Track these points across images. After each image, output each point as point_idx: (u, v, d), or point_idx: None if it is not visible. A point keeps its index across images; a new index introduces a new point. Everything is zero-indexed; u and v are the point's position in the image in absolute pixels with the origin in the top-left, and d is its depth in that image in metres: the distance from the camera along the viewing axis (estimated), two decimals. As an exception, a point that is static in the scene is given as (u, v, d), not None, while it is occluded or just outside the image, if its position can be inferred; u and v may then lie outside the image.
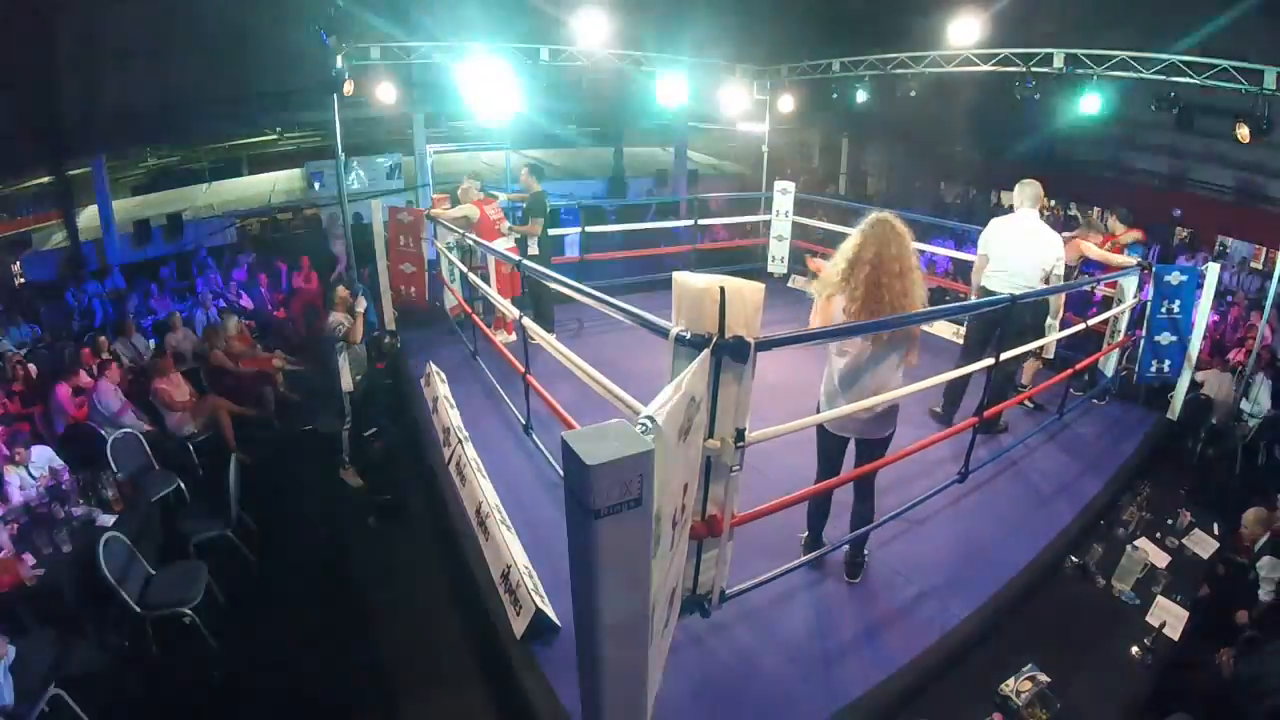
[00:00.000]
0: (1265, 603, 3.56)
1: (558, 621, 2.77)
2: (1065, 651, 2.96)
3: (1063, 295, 4.84)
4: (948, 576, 3.21)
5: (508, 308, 4.56)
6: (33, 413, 5.48)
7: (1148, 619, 3.20)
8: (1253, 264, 10.31)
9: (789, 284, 7.87)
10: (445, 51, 7.67)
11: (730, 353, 2.14)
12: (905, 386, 2.92)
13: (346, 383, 4.94)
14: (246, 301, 8.73)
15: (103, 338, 6.53)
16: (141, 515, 4.24)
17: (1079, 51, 6.92)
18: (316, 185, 12.68)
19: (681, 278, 2.23)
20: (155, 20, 9.36)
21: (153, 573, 3.78)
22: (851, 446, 3.02)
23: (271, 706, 3.33)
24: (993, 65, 7.58)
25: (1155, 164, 10.88)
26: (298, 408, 6.55)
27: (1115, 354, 5.16)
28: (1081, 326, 4.55)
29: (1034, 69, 7.20)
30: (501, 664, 2.80)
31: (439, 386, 4.73)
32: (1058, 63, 7.05)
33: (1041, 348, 4.76)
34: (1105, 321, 4.95)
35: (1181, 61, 6.26)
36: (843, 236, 3.05)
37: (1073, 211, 12.94)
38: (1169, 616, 3.19)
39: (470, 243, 5.40)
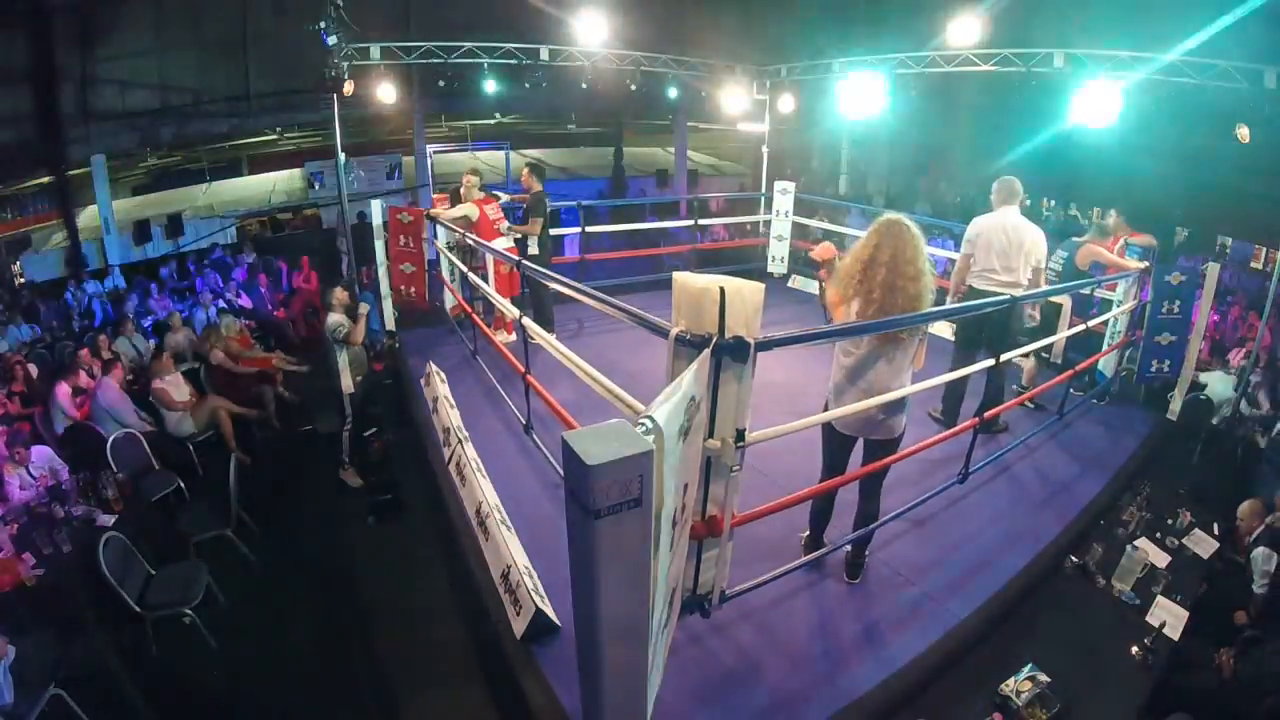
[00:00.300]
0: (1259, 595, 3.56)
1: (558, 621, 2.76)
2: (1065, 651, 2.96)
3: (1068, 298, 4.85)
4: (948, 576, 3.21)
5: (508, 307, 4.56)
6: (33, 413, 5.48)
7: (1148, 619, 3.19)
8: (1253, 264, 10.32)
9: (789, 284, 7.87)
10: (445, 51, 7.67)
11: (730, 353, 2.14)
12: (915, 385, 2.92)
13: (347, 384, 4.93)
14: (246, 301, 8.73)
15: (103, 337, 6.53)
16: (141, 515, 4.24)
17: (1079, 51, 6.92)
18: (316, 185, 12.67)
19: (681, 278, 2.23)
20: (156, 19, 9.36)
21: (153, 573, 3.78)
22: (858, 446, 3.02)
23: (271, 706, 3.33)
24: (993, 65, 7.58)
25: (1156, 164, 10.87)
26: (298, 408, 6.56)
27: (1115, 354, 5.16)
28: (1082, 327, 4.55)
29: (1034, 69, 7.20)
30: (501, 664, 2.80)
31: (439, 386, 4.72)
32: (1058, 63, 7.06)
33: (1044, 349, 4.77)
34: (1105, 322, 4.95)
35: (1181, 61, 6.26)
36: (841, 236, 3.05)
37: (1072, 211, 12.95)
38: (1169, 616, 3.19)
39: (470, 243, 5.40)
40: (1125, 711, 2.76)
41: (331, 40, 6.37)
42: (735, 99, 9.32)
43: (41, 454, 4.62)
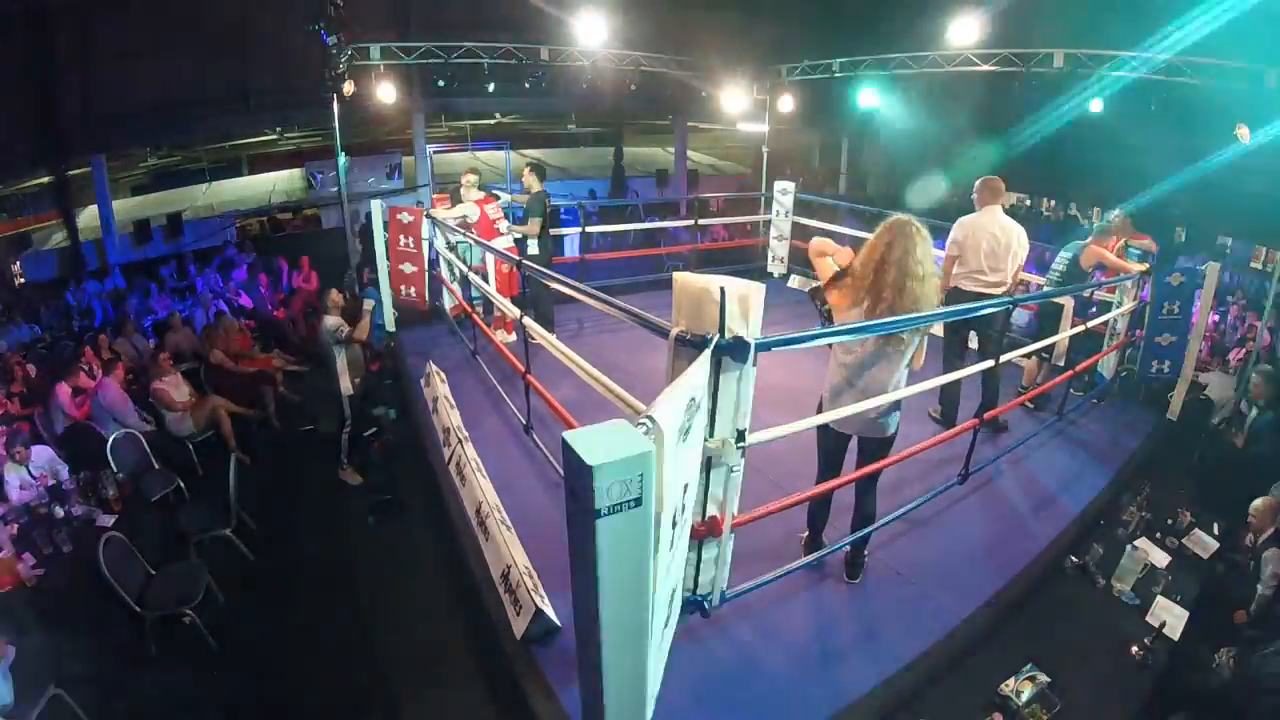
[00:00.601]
0: (1265, 596, 3.55)
1: (558, 621, 2.76)
2: (1065, 651, 2.96)
3: (1070, 299, 4.85)
4: (948, 576, 3.20)
5: (508, 307, 4.55)
6: (33, 413, 5.48)
7: (1148, 619, 3.20)
8: (1253, 264, 10.32)
9: (789, 284, 7.87)
10: (445, 51, 7.67)
11: (730, 353, 2.14)
12: (911, 386, 2.92)
13: (346, 386, 4.91)
14: (246, 301, 8.73)
15: (104, 336, 6.53)
16: (141, 515, 4.24)
17: (1079, 51, 6.92)
18: (316, 185, 12.67)
19: (681, 278, 2.22)
20: (156, 19, 9.36)
21: (153, 573, 3.78)
22: (853, 444, 3.02)
23: (271, 706, 3.33)
24: (993, 65, 7.59)
25: (1155, 164, 10.87)
26: (298, 408, 6.56)
27: (1115, 354, 5.16)
28: (1082, 327, 4.55)
29: (1034, 69, 7.21)
30: (501, 664, 2.80)
31: (439, 386, 4.72)
32: (1058, 63, 7.06)
33: (1045, 349, 4.77)
34: (1105, 322, 4.95)
35: (1181, 61, 6.26)
36: (842, 236, 3.05)
37: (1072, 211, 12.95)
38: (1169, 616, 3.19)
39: (470, 242, 5.40)
40: (1125, 711, 2.76)
41: (331, 40, 6.37)
42: (735, 99, 9.33)
43: (41, 454, 4.62)
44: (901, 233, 2.69)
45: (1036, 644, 2.98)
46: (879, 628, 2.91)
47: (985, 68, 7.66)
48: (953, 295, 4.35)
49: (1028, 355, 4.73)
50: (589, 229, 7.02)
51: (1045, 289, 4.92)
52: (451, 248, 5.94)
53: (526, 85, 9.03)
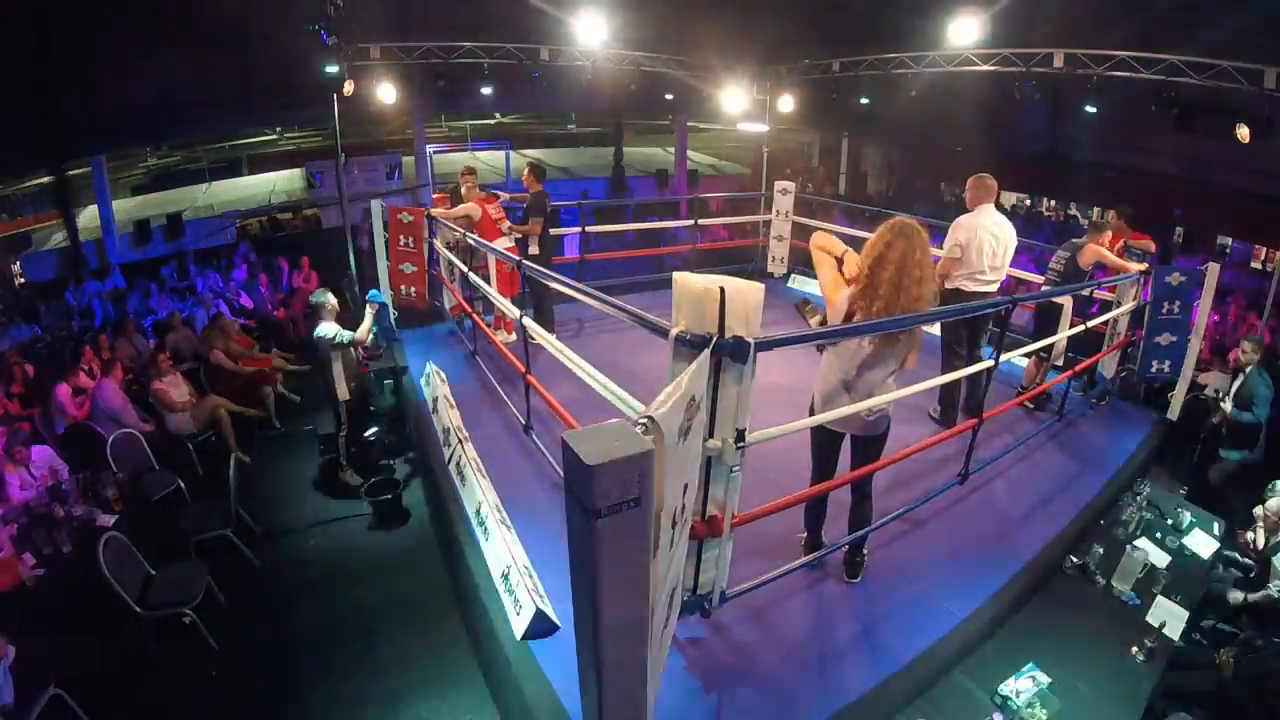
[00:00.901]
0: (1274, 598, 3.54)
1: (558, 621, 2.77)
2: (1065, 651, 2.96)
3: (1069, 298, 4.85)
4: (948, 576, 3.21)
5: (508, 307, 4.55)
6: (33, 413, 5.48)
7: (1148, 619, 3.20)
8: (1253, 264, 10.33)
9: (789, 284, 7.87)
10: (445, 51, 7.67)
11: (730, 353, 2.14)
12: (908, 387, 2.93)
13: (342, 391, 4.88)
14: (246, 301, 8.73)
15: (104, 337, 6.53)
16: (141, 515, 4.24)
17: (1079, 51, 6.92)
18: (316, 185, 12.68)
19: (681, 278, 2.22)
20: (155, 19, 9.36)
21: (153, 573, 3.78)
22: (846, 443, 3.02)
23: (271, 706, 3.33)
24: (993, 65, 7.58)
25: (1155, 164, 10.88)
26: (298, 408, 6.56)
27: (1115, 354, 5.16)
28: (1082, 327, 4.55)
29: (1034, 69, 7.20)
30: (501, 664, 2.80)
31: (439, 386, 4.72)
32: (1058, 63, 7.06)
33: (1044, 349, 4.77)
34: (1105, 322, 4.95)
35: (1181, 61, 6.26)
36: (844, 237, 3.05)
37: (1072, 211, 12.96)
38: (1169, 616, 3.19)
39: (471, 242, 5.40)
40: (1125, 711, 2.76)
41: (331, 40, 6.37)
42: (735, 99, 9.32)
43: (42, 454, 4.62)
44: (901, 233, 2.70)
45: (1036, 644, 2.98)
46: (879, 628, 2.91)
47: (985, 68, 7.65)
48: (954, 296, 4.35)
49: (1027, 355, 4.73)
50: (589, 229, 7.01)
51: (1044, 288, 4.92)
52: (451, 247, 5.94)
53: (527, 85, 9.03)
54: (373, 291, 5.06)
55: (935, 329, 5.36)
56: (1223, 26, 6.53)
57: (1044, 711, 2.66)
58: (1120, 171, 11.21)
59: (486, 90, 8.70)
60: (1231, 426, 4.76)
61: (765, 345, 2.20)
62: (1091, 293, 4.94)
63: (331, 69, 6.76)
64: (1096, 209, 11.47)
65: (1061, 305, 4.89)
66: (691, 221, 7.82)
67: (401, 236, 5.99)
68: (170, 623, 3.59)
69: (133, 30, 9.29)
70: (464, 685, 3.24)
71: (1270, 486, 3.96)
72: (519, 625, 2.79)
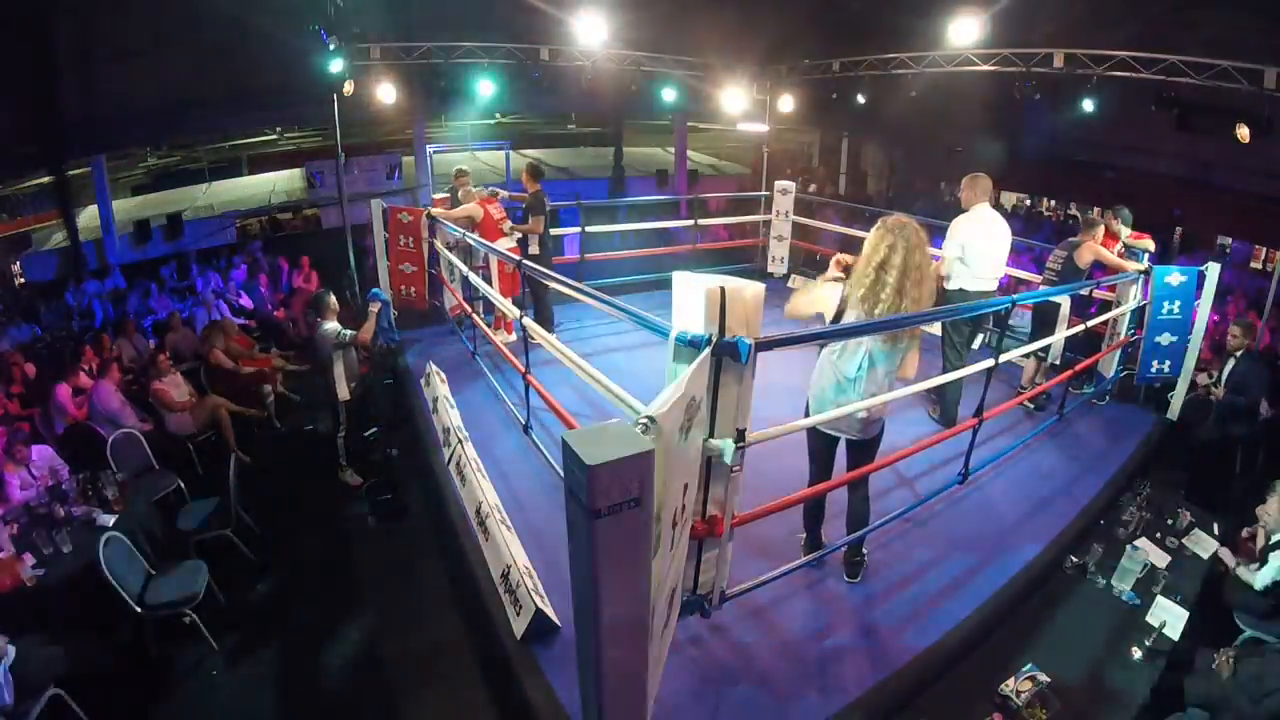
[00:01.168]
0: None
1: (558, 621, 2.77)
2: (1065, 651, 2.96)
3: (1067, 297, 4.86)
4: (948, 576, 3.21)
5: (509, 307, 4.55)
6: (33, 413, 5.48)
7: (1148, 619, 3.19)
8: (1253, 264, 10.33)
9: (789, 284, 7.87)
10: (445, 51, 7.66)
11: (730, 353, 2.14)
12: (907, 387, 2.93)
13: (343, 391, 4.88)
14: (246, 301, 8.73)
15: (105, 336, 6.53)
16: (141, 515, 4.24)
17: (1079, 51, 6.92)
18: (317, 185, 12.68)
19: (682, 278, 2.23)
20: (155, 20, 9.36)
21: (153, 573, 3.78)
22: (841, 446, 3.03)
23: (271, 706, 3.33)
24: (993, 65, 7.58)
25: (1155, 164, 10.88)
26: (298, 408, 6.55)
27: (1115, 354, 5.16)
28: (1082, 327, 4.55)
29: (1034, 69, 7.20)
30: (501, 664, 2.80)
31: (439, 386, 4.72)
32: (1058, 63, 7.06)
33: (1045, 349, 4.77)
34: (1105, 322, 4.95)
35: (1181, 61, 6.26)
36: (843, 236, 3.05)
37: (1072, 211, 12.96)
38: (1169, 616, 3.19)
39: (471, 242, 5.40)
40: (1125, 711, 2.76)
41: (331, 40, 6.37)
42: (735, 99, 9.32)
43: (42, 454, 4.62)
44: (900, 235, 2.70)
45: (1036, 644, 2.98)
46: (879, 628, 2.91)
47: (985, 68, 7.65)
48: (957, 295, 4.36)
49: (1026, 355, 4.73)
50: (589, 229, 7.02)
51: (1042, 288, 4.92)
52: (450, 247, 5.94)
53: (528, 84, 9.03)
54: (375, 290, 5.06)
55: (934, 328, 5.37)
56: (1222, 26, 6.54)
57: (1044, 711, 2.66)
58: (1120, 171, 11.22)
59: (487, 90, 8.68)
60: (1222, 410, 4.77)
61: (765, 345, 2.20)
62: (1091, 292, 4.94)
63: (331, 69, 6.76)
64: (1096, 209, 11.48)
65: (1059, 305, 4.89)
66: (691, 221, 7.81)
67: (401, 236, 5.99)
68: (170, 623, 3.59)
69: (133, 30, 9.29)
70: (464, 685, 3.23)
71: (1271, 486, 3.95)
72: (519, 625, 2.79)
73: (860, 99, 9.68)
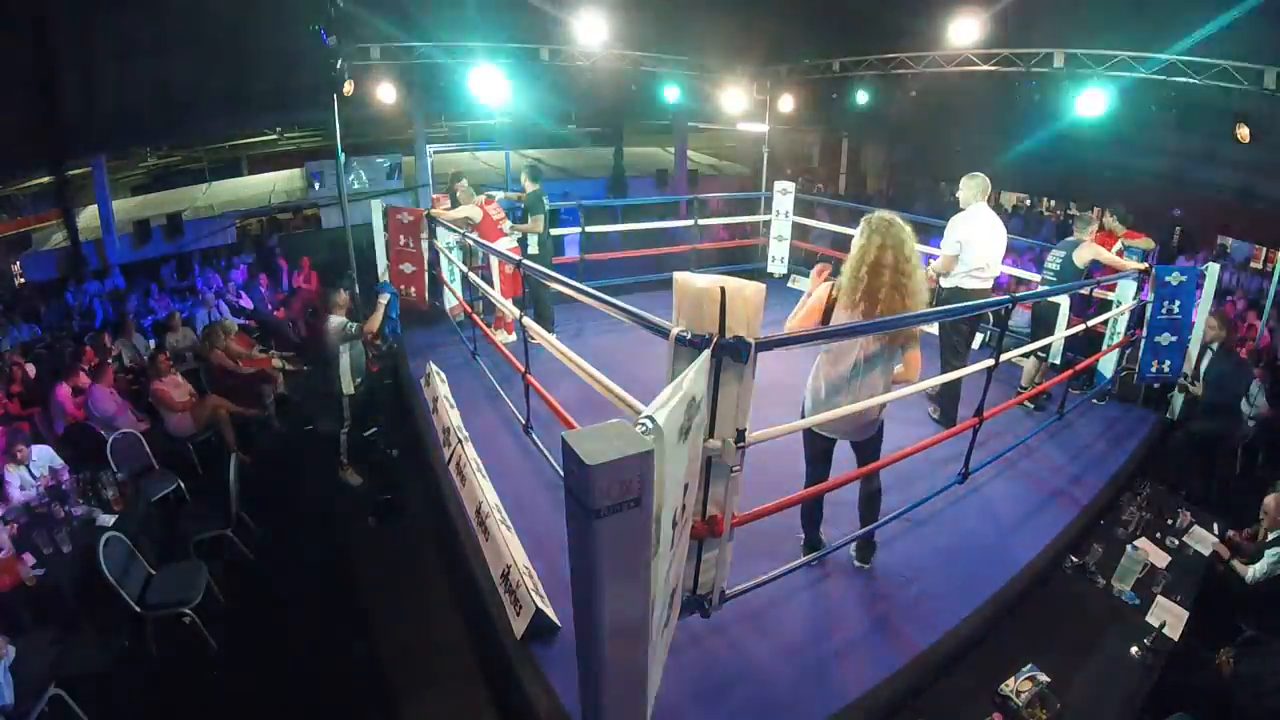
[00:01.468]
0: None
1: (558, 621, 2.76)
2: (1065, 651, 2.96)
3: (1066, 297, 4.86)
4: (948, 576, 3.21)
5: (508, 308, 4.55)
6: (33, 413, 5.48)
7: (1148, 619, 3.19)
8: (1253, 264, 10.33)
9: (789, 284, 7.86)
10: (445, 51, 7.66)
11: (730, 353, 2.13)
12: (906, 387, 2.93)
13: (347, 386, 4.90)
14: (246, 301, 8.73)
15: (106, 336, 6.53)
16: (141, 515, 4.24)
17: (1079, 51, 6.92)
18: (316, 185, 12.68)
19: (682, 278, 2.22)
20: (155, 20, 9.36)
21: (153, 573, 3.78)
22: (842, 446, 3.04)
23: (271, 706, 3.33)
24: (993, 65, 7.58)
25: (1155, 164, 10.88)
26: (298, 408, 6.55)
27: (1115, 354, 5.16)
28: (1081, 327, 4.55)
29: (1034, 69, 7.20)
30: (501, 664, 2.80)
31: (439, 386, 4.72)
32: (1058, 63, 7.06)
33: (1044, 349, 4.76)
34: (1105, 322, 4.94)
35: (1181, 61, 6.26)
36: (841, 236, 3.05)
37: (1073, 211, 12.96)
38: (1169, 616, 3.19)
39: (471, 243, 5.40)
40: (1125, 711, 2.76)
41: (331, 40, 6.36)
42: (735, 99, 9.32)
43: (42, 454, 4.62)
44: (889, 234, 2.71)
45: (1036, 644, 2.98)
46: (879, 628, 2.91)
47: (985, 68, 7.65)
48: (955, 294, 4.35)
49: (1026, 355, 4.72)
50: (589, 229, 7.02)
51: (1041, 287, 4.92)
52: (451, 248, 5.94)
53: (527, 84, 9.03)
54: (383, 283, 5.05)
55: (931, 328, 5.37)
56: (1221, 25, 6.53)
57: (1044, 711, 2.66)
58: (1120, 171, 11.22)
59: (487, 90, 8.69)
60: (1202, 408, 4.79)
61: (765, 345, 2.20)
62: (1091, 292, 4.94)
63: (332, 69, 6.75)
64: (1095, 209, 11.48)
65: (1058, 305, 4.88)
66: (692, 222, 7.81)
67: (401, 236, 5.99)
68: (170, 623, 3.59)
69: (133, 30, 9.28)
70: (464, 685, 3.23)
71: (1275, 485, 3.96)
72: (519, 625, 2.79)
73: (860, 99, 9.69)
